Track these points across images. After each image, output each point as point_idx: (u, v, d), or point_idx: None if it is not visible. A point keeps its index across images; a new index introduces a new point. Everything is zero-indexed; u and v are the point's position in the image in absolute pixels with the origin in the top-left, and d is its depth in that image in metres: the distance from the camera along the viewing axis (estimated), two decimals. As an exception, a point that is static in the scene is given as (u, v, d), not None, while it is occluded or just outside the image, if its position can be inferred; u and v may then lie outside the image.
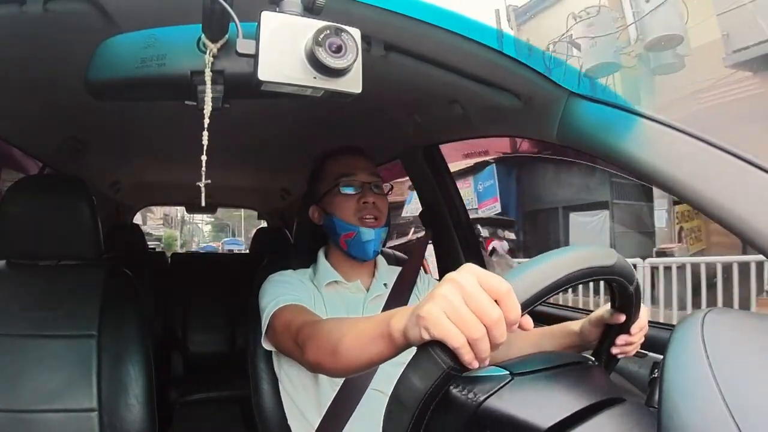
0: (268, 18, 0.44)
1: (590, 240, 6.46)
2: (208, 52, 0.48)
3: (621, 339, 0.64)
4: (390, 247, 1.25)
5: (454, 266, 0.45)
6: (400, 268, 1.06)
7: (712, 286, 4.13)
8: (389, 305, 0.95)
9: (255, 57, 0.44)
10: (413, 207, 7.78)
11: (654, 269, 4.69)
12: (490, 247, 5.69)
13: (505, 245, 6.11)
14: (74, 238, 1.05)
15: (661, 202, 5.98)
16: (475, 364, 0.42)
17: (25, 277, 1.03)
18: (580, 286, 4.28)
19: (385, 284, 1.00)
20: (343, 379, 0.85)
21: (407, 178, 1.50)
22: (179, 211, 15.75)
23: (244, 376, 1.02)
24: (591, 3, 5.24)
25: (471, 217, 1.51)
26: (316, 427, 0.87)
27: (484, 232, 6.09)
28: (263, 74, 0.43)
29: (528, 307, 0.43)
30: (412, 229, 7.32)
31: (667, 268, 4.51)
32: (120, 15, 0.66)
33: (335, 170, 0.98)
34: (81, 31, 0.67)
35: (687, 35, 4.94)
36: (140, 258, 2.27)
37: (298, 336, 0.74)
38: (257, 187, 2.55)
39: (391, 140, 1.35)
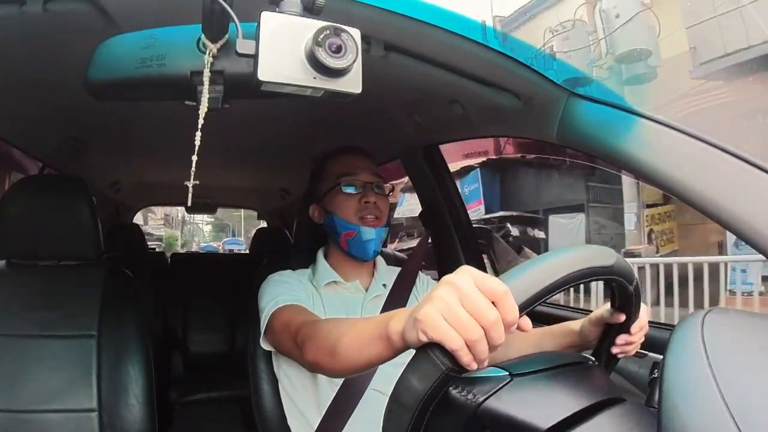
0: (267, 18, 0.44)
1: (568, 241, 6.70)
2: (207, 52, 0.48)
3: (621, 339, 0.64)
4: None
5: (454, 266, 0.45)
6: (399, 269, 1.05)
7: (670, 285, 4.23)
8: (388, 306, 0.95)
9: (255, 57, 0.44)
10: (405, 209, 7.87)
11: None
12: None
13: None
14: (74, 238, 1.05)
15: (630, 205, 6.14)
16: (474, 366, 0.42)
17: (25, 277, 1.03)
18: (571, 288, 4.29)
19: (384, 285, 1.00)
20: (343, 379, 0.85)
21: (400, 180, 1.50)
22: (180, 211, 15.75)
23: (244, 376, 1.02)
24: (571, 17, 5.39)
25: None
26: (315, 428, 0.87)
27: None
28: (263, 74, 0.43)
29: (527, 308, 0.43)
30: (405, 233, 7.39)
31: (641, 268, 4.60)
32: (120, 15, 0.66)
33: (337, 170, 0.98)
34: (81, 31, 0.67)
35: (658, 47, 5.10)
36: (140, 258, 2.28)
37: (297, 336, 0.74)
38: (257, 187, 2.55)
39: (391, 140, 1.35)
